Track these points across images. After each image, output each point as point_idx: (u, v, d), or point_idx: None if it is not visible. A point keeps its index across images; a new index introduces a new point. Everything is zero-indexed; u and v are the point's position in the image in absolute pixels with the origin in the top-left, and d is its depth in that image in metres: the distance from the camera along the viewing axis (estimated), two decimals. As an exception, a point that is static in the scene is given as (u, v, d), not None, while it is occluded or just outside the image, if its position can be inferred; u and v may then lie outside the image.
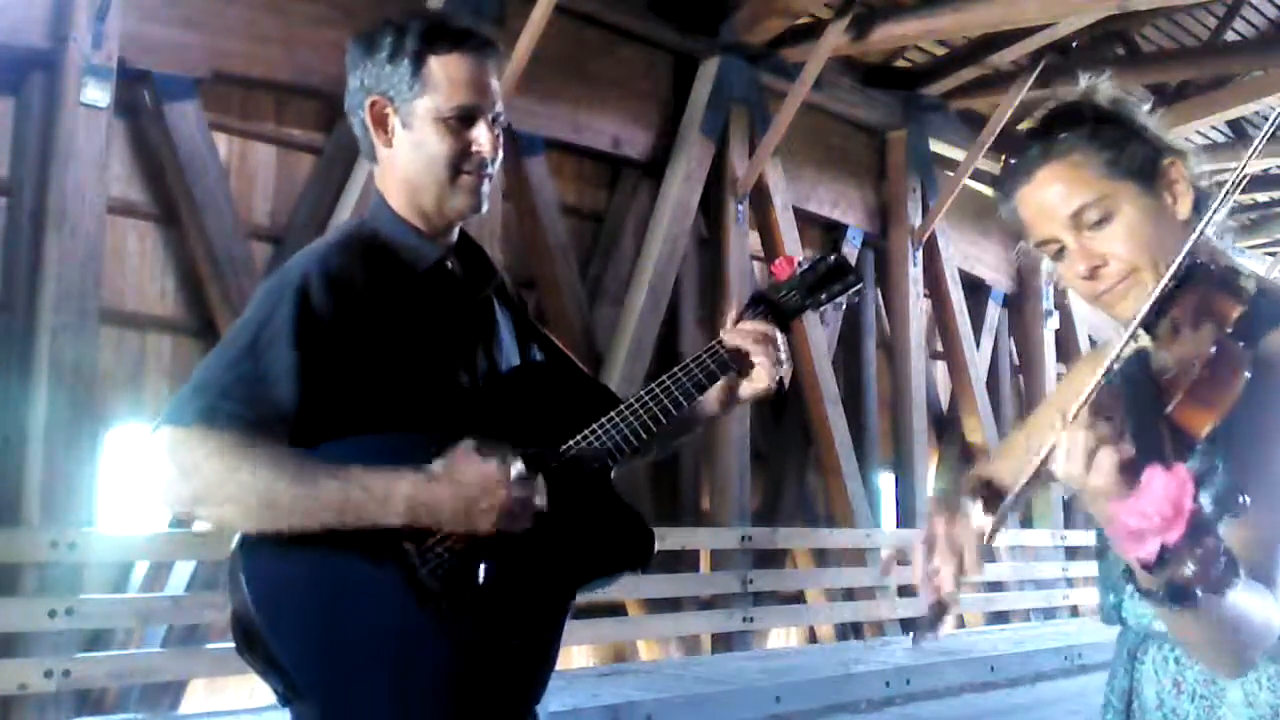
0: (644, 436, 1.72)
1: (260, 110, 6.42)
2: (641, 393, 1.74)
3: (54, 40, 5.37)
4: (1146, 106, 1.50)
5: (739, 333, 1.80)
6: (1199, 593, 1.02)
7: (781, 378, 1.82)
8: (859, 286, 1.89)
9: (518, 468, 1.59)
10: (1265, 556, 1.23)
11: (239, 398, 1.55)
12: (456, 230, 1.81)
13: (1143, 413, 1.18)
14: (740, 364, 1.81)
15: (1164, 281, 1.28)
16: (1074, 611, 10.42)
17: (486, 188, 1.75)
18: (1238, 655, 1.24)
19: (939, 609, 1.25)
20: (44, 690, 4.91)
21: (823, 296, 1.85)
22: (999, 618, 10.01)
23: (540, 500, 1.61)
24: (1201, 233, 1.31)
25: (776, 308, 1.82)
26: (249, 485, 1.52)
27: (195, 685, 5.86)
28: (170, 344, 6.05)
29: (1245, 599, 1.17)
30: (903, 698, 6.52)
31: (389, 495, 1.54)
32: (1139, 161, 1.43)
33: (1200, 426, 1.18)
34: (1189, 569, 1.01)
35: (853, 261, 1.76)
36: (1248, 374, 1.22)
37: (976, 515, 1.28)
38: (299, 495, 1.52)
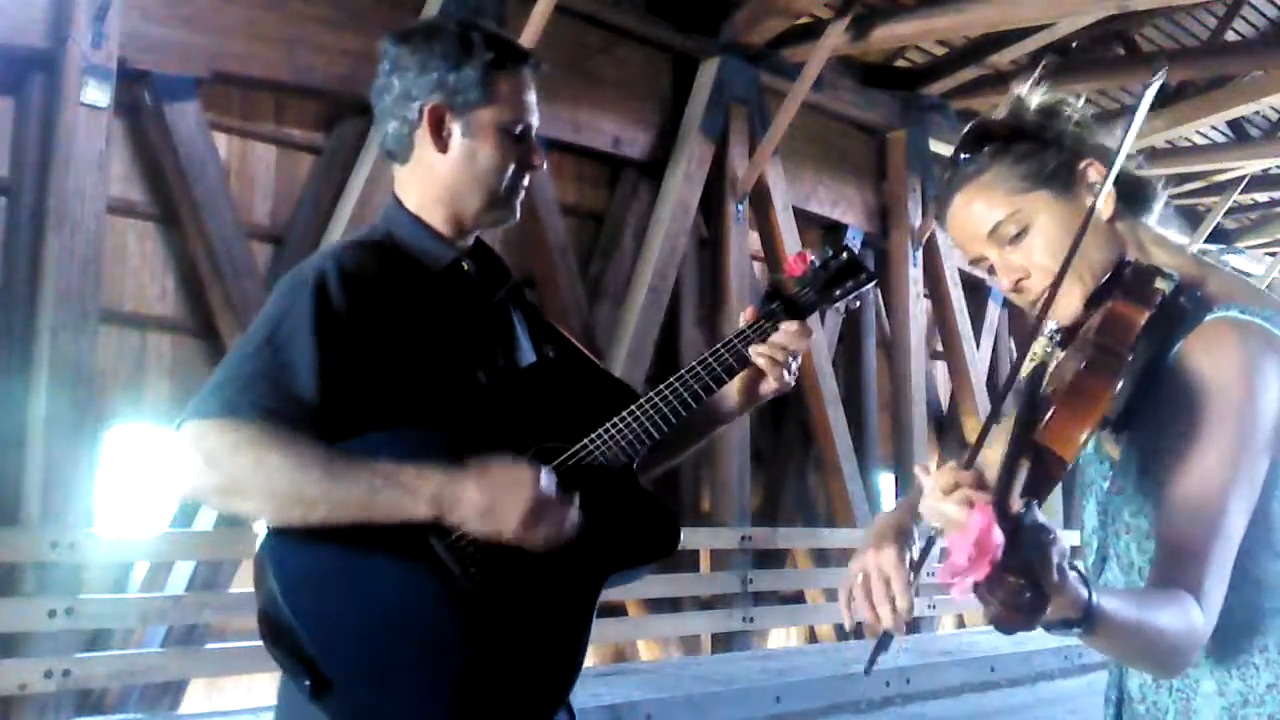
0: (664, 429, 1.72)
1: (260, 110, 6.42)
2: (661, 386, 1.75)
3: (54, 40, 5.37)
4: (1078, 104, 1.51)
5: (759, 333, 1.79)
6: (1011, 626, 1.05)
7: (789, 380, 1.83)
8: (873, 283, 1.87)
9: (550, 477, 1.59)
10: (1187, 567, 1.26)
11: (261, 390, 1.55)
12: (474, 235, 1.84)
13: (1015, 440, 1.19)
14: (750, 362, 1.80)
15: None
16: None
17: (519, 200, 1.81)
18: (1161, 664, 1.28)
19: (884, 639, 1.26)
20: (44, 690, 4.91)
21: (836, 293, 1.84)
22: (999, 618, 10.01)
23: (572, 516, 1.61)
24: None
25: (793, 304, 1.81)
26: (276, 477, 1.52)
27: (195, 685, 5.86)
28: (170, 344, 6.05)
29: (1151, 617, 1.21)
30: (903, 698, 6.52)
31: (416, 489, 1.54)
32: (1051, 169, 1.45)
33: (1068, 447, 1.19)
34: (995, 605, 1.03)
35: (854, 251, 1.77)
36: (1119, 384, 1.24)
37: (897, 550, 1.28)
38: (327, 488, 1.52)
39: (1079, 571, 1.13)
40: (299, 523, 1.54)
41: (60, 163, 5.32)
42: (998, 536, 1.02)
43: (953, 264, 10.05)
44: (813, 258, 1.84)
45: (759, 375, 1.82)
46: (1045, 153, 1.46)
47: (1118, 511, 1.47)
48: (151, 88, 5.78)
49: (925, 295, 9.91)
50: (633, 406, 1.72)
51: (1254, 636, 1.38)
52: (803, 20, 8.13)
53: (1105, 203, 1.44)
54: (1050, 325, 1.46)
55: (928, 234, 9.65)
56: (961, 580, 1.03)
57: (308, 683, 1.53)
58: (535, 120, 1.81)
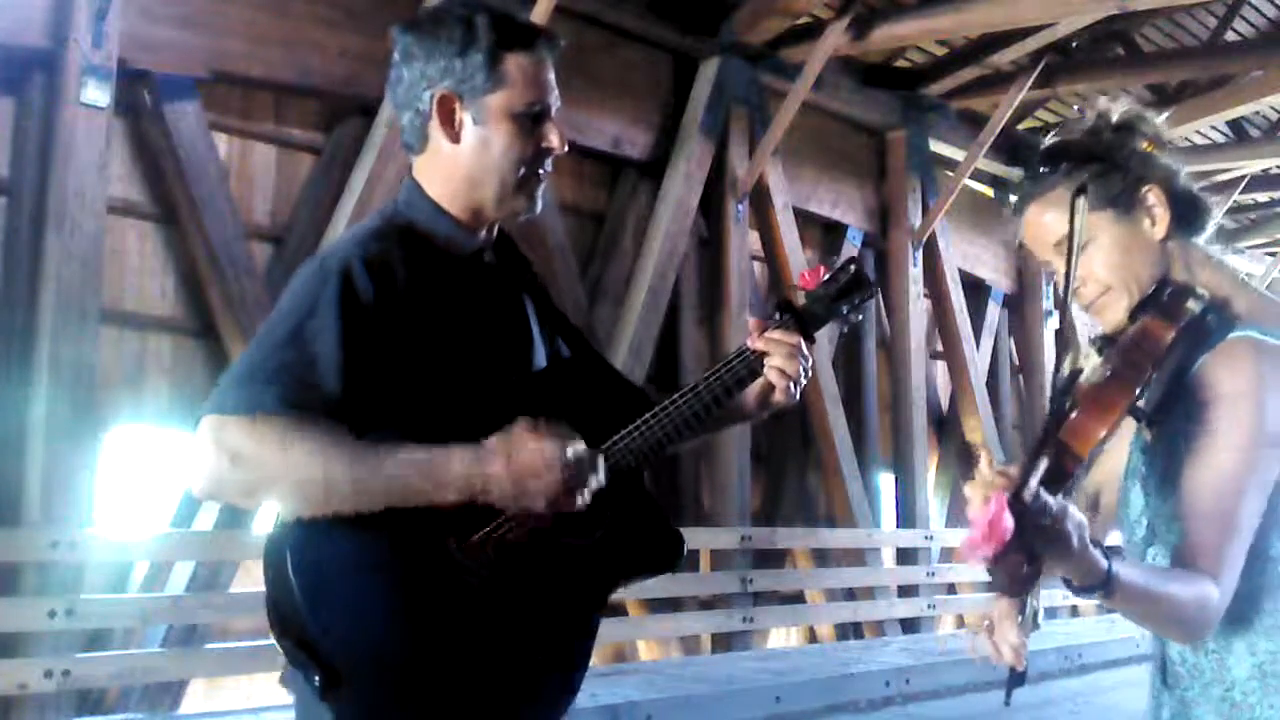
0: (679, 437, 1.72)
1: (260, 110, 6.41)
2: (675, 395, 1.74)
3: (54, 40, 5.37)
4: (1156, 120, 1.70)
5: (769, 341, 1.78)
6: (1011, 593, 1.29)
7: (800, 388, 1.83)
8: (872, 296, 1.89)
9: (577, 445, 1.58)
10: (1203, 561, 1.45)
11: (285, 384, 1.53)
12: (495, 225, 1.80)
13: (1043, 432, 1.36)
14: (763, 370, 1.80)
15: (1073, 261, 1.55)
16: (1074, 611, 10.42)
17: (541, 189, 1.76)
18: (1176, 628, 1.50)
19: (1017, 676, 1.42)
20: (44, 690, 4.91)
21: (844, 308, 1.85)
22: (999, 618, 10.00)
23: (596, 479, 1.60)
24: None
25: (803, 318, 1.81)
26: (303, 468, 1.50)
27: (195, 685, 5.86)
28: (170, 344, 6.05)
29: (1164, 587, 1.43)
30: (903, 698, 6.53)
31: (445, 471, 1.54)
32: (1116, 192, 1.63)
33: (1085, 444, 1.37)
34: (999, 579, 1.27)
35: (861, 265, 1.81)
36: (1135, 394, 1.44)
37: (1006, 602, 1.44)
38: (353, 476, 1.51)
39: (1102, 546, 1.33)
40: (326, 511, 1.52)
41: (60, 163, 5.33)
42: (1008, 521, 1.20)
43: (953, 264, 10.05)
44: (824, 273, 1.85)
45: (768, 386, 1.82)
46: (1114, 175, 1.63)
47: (1156, 492, 1.63)
48: (151, 88, 5.79)
49: (925, 295, 9.91)
50: (648, 415, 1.71)
51: (1276, 603, 1.56)
52: (803, 20, 8.13)
53: (1160, 225, 1.63)
54: (1097, 332, 1.64)
55: (928, 234, 9.64)
56: (974, 555, 1.22)
57: (317, 678, 1.52)
58: (553, 100, 1.73)
